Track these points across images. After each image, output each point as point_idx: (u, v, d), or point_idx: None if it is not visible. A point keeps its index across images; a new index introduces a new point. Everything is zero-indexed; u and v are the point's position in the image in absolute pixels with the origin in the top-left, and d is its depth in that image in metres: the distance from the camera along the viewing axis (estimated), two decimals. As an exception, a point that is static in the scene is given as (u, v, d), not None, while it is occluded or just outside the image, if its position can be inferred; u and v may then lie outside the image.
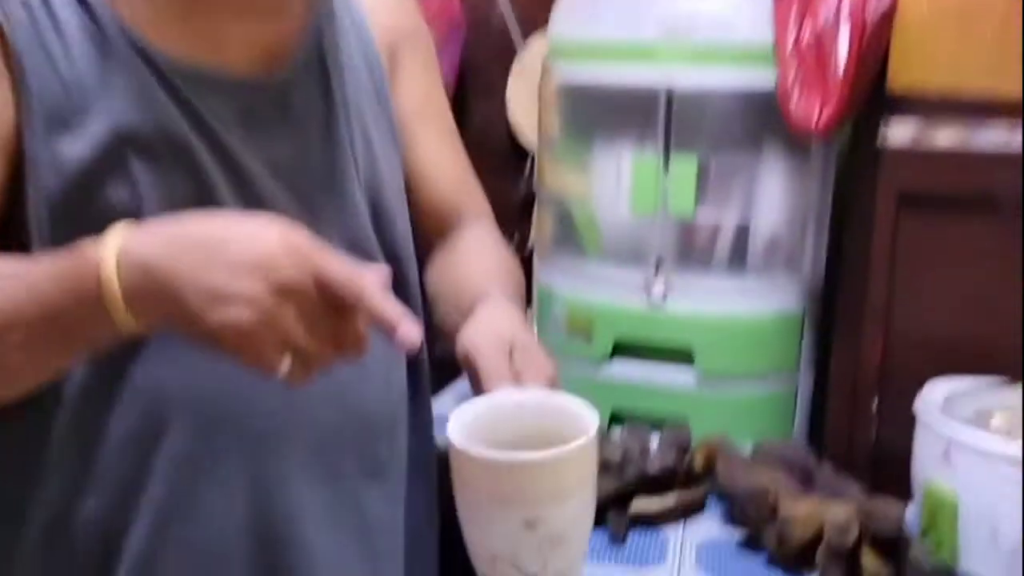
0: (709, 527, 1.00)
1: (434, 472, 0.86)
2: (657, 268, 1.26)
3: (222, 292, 0.52)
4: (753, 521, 0.94)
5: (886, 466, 1.17)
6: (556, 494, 0.56)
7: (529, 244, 1.61)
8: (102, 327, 0.56)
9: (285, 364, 0.54)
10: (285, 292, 0.53)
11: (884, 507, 0.89)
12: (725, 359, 1.25)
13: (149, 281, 0.53)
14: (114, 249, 0.55)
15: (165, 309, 0.54)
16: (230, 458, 0.68)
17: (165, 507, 0.68)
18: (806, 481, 1.00)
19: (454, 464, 0.59)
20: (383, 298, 0.56)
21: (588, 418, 0.60)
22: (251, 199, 0.68)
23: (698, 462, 1.04)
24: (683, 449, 1.06)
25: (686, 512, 1.01)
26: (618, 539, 0.95)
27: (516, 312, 0.75)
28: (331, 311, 0.55)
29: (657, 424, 1.18)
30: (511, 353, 0.68)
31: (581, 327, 1.30)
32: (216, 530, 0.68)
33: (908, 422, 1.11)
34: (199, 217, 0.57)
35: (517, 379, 0.66)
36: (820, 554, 0.89)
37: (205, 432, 0.68)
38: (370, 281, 0.55)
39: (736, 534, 0.98)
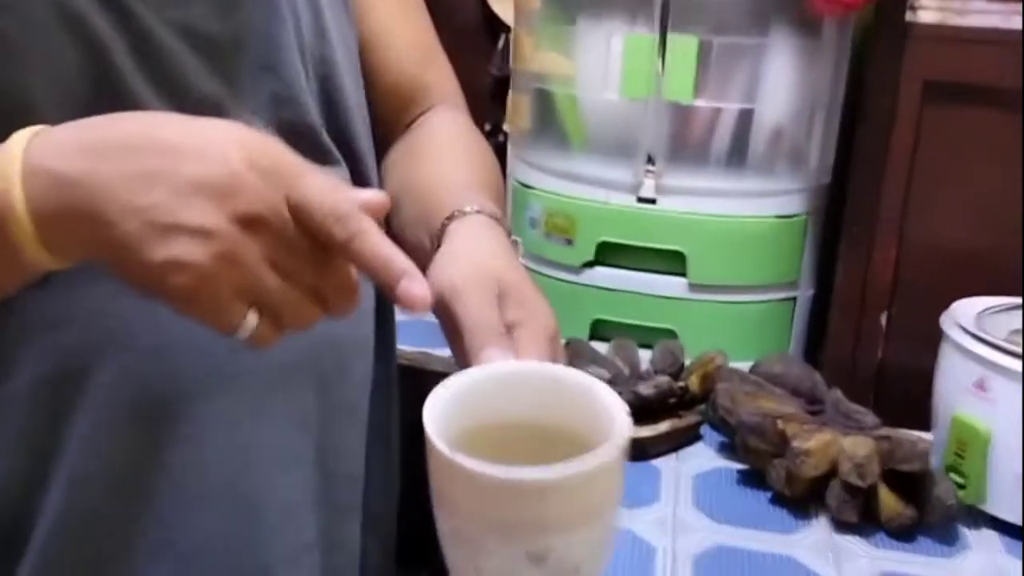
0: (705, 459, 0.90)
1: (396, 395, 0.73)
2: (648, 163, 1.12)
3: (165, 219, 0.39)
4: (757, 454, 0.83)
5: (892, 388, 1.08)
6: (575, 520, 0.41)
7: (502, 134, 1.45)
8: (5, 263, 0.42)
9: (249, 320, 0.42)
10: (250, 223, 0.40)
11: (908, 442, 0.78)
12: (719, 266, 1.13)
13: (65, 200, 0.40)
14: (15, 158, 0.41)
15: (88, 238, 0.41)
16: (168, 405, 0.54)
17: (84, 470, 0.54)
18: (813, 408, 0.89)
19: (435, 473, 0.43)
20: (380, 239, 0.42)
21: (617, 410, 0.44)
22: (160, 76, 0.53)
23: (694, 384, 0.93)
24: (677, 369, 0.95)
25: (679, 441, 0.90)
26: (605, 473, 0.83)
27: (503, 237, 0.58)
28: (311, 249, 0.42)
29: (643, 336, 1.07)
30: (501, 299, 0.52)
31: (561, 228, 1.17)
32: (152, 496, 0.55)
33: (920, 341, 1.00)
34: (130, 117, 0.43)
35: (510, 336, 0.51)
36: (833, 493, 0.79)
37: (136, 374, 0.53)
38: (364, 213, 0.42)
39: (735, 466, 0.88)
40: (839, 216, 1.17)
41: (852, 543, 0.78)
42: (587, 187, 1.15)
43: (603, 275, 1.16)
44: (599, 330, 1.17)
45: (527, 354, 0.50)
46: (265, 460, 0.58)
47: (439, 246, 0.58)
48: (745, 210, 1.12)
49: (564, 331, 1.09)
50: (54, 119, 0.45)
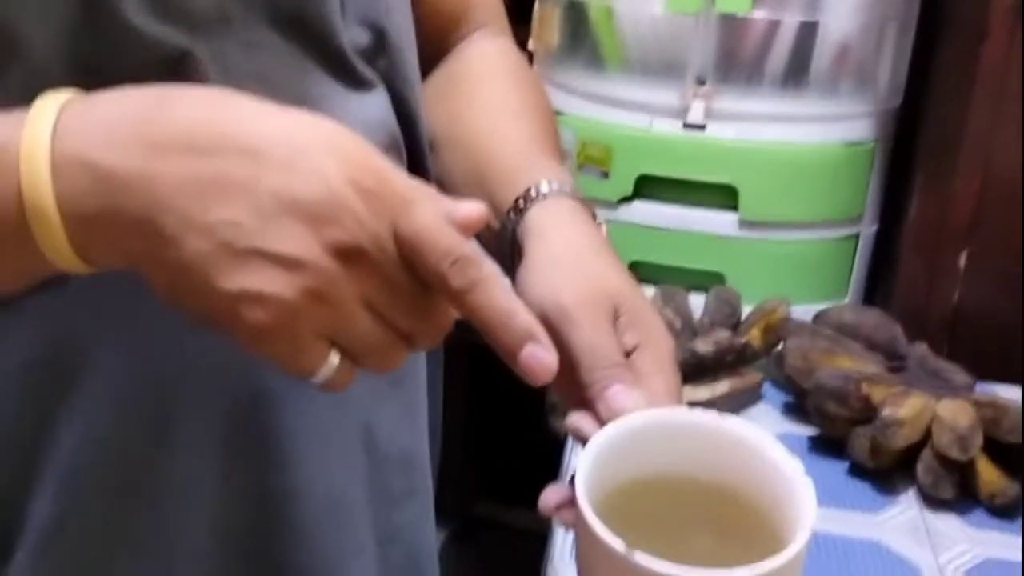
0: (770, 422, 0.79)
1: (443, 350, 0.63)
2: (696, 84, 0.99)
3: (245, 242, 0.33)
4: (835, 420, 0.73)
5: (969, 337, 0.97)
6: None
7: (525, 52, 1.31)
8: (23, 260, 0.35)
9: (331, 362, 0.35)
10: (348, 256, 0.34)
11: (1015, 410, 0.68)
12: (775, 200, 1.01)
13: (111, 204, 0.33)
14: (41, 140, 0.33)
15: (137, 252, 0.34)
16: (183, 393, 0.45)
17: (81, 463, 0.45)
18: (893, 364, 0.78)
19: (600, 567, 0.36)
20: (503, 292, 0.36)
21: (800, 481, 0.39)
22: None
23: (755, 337, 0.82)
24: (735, 321, 0.84)
25: (740, 403, 0.80)
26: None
27: (597, 231, 0.50)
28: (413, 289, 0.36)
29: (687, 280, 0.96)
30: (615, 319, 0.44)
31: (596, 159, 1.04)
32: (159, 495, 0.46)
33: (1003, 285, 0.89)
34: (187, 97, 0.35)
35: (629, 362, 0.43)
36: (925, 465, 0.69)
37: (143, 352, 0.44)
38: (462, 231, 0.36)
39: (805, 431, 0.77)
40: (909, 143, 1.04)
41: (947, 523, 0.68)
42: (626, 112, 1.02)
43: (643, 211, 1.04)
44: (638, 272, 1.05)
45: (652, 385, 0.43)
46: (300, 449, 0.48)
47: (514, 230, 0.49)
48: (806, 137, 0.99)
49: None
50: (38, 44, 0.37)
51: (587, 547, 0.37)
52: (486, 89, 0.60)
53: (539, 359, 0.37)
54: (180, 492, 0.46)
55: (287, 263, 0.33)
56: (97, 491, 0.45)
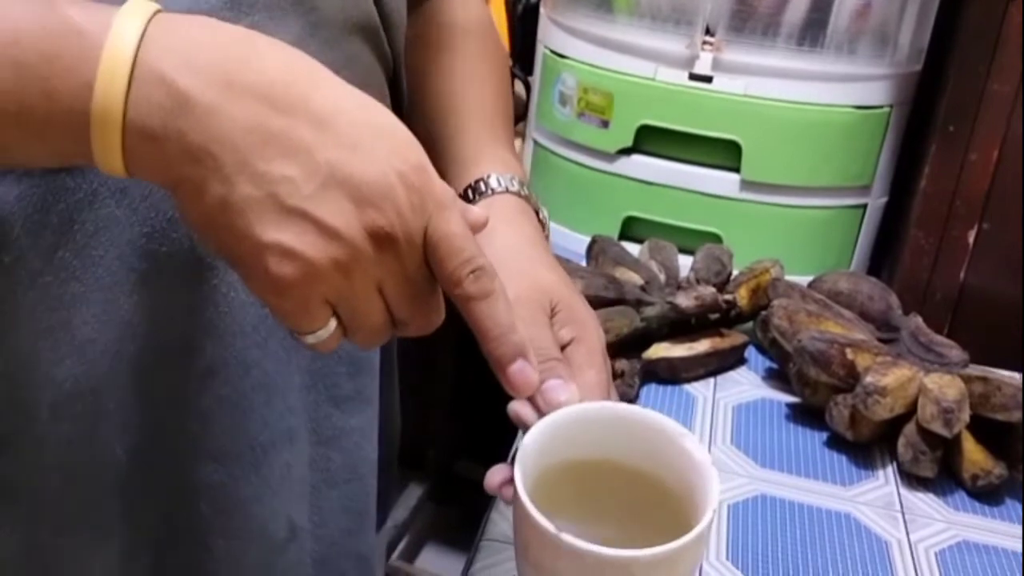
0: (748, 386, 0.75)
1: None
2: (706, 33, 0.94)
3: (294, 200, 0.34)
4: (816, 387, 0.69)
5: (971, 318, 0.92)
6: None
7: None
8: (62, 147, 0.35)
9: (327, 328, 0.38)
10: (381, 241, 0.36)
11: (1009, 387, 0.63)
12: (780, 162, 0.96)
13: (176, 126, 0.33)
14: (126, 52, 0.33)
15: (181, 177, 0.34)
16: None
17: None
18: (886, 336, 0.74)
19: (534, 545, 0.41)
20: (507, 306, 0.40)
21: (708, 466, 0.43)
22: None
23: (742, 297, 0.77)
24: (723, 279, 0.79)
25: (720, 365, 0.75)
26: (628, 398, 0.69)
27: (541, 233, 0.55)
28: (423, 285, 0.39)
29: (682, 240, 0.92)
30: (552, 316, 0.49)
31: (596, 107, 1.00)
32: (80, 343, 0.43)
33: (1014, 265, 0.84)
34: (272, 51, 0.36)
35: (563, 354, 0.48)
36: (906, 441, 0.65)
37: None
38: (492, 267, 0.39)
39: (784, 399, 0.73)
40: (926, 112, 0.99)
41: (925, 502, 0.64)
42: (631, 59, 0.97)
43: (641, 165, 0.99)
44: (631, 229, 1.01)
45: (585, 377, 0.47)
46: (236, 324, 0.46)
47: None
48: (818, 97, 0.94)
49: (590, 228, 0.95)
50: None
51: (522, 527, 0.41)
52: (457, 48, 0.61)
53: (526, 376, 0.41)
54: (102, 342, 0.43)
55: (326, 231, 0.34)
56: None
